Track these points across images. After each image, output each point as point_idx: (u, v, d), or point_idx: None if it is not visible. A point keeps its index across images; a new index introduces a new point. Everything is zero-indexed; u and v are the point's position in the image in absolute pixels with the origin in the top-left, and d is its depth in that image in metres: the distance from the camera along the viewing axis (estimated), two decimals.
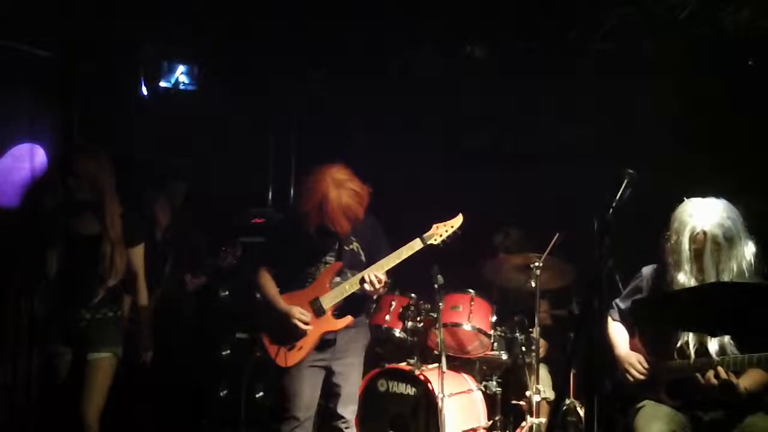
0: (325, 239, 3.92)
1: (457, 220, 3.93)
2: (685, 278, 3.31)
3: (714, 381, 3.19)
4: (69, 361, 3.87)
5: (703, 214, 3.31)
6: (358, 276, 3.87)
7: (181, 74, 5.96)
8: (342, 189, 3.75)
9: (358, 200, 3.79)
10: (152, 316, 4.05)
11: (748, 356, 3.17)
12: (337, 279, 3.94)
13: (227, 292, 5.73)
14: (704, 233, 3.28)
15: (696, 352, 3.29)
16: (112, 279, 3.88)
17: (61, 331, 3.87)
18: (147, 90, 5.84)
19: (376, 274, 3.79)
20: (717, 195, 3.39)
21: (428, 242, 3.87)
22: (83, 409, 3.78)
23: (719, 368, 3.18)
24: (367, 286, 3.80)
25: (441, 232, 3.89)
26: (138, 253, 4.00)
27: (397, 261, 3.84)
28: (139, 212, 4.23)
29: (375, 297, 4.92)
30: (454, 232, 3.89)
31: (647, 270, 3.66)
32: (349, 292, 3.89)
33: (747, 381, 3.20)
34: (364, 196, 3.83)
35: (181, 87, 5.97)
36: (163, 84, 5.93)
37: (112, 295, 3.93)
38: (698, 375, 3.24)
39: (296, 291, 3.93)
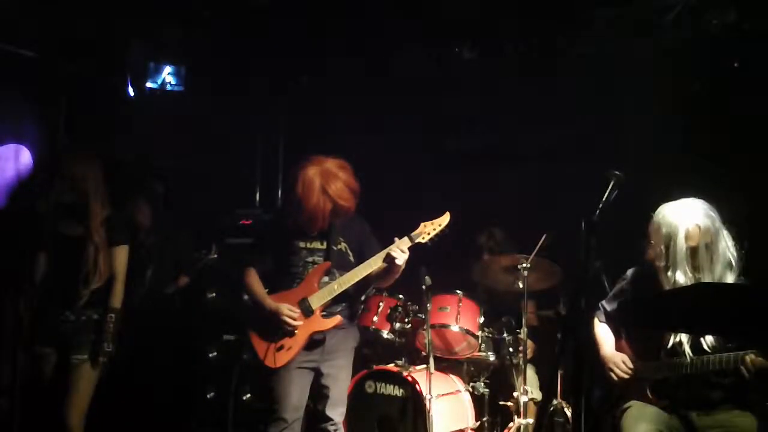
0: (313, 239, 3.92)
1: (445, 219, 3.93)
2: (683, 278, 3.32)
3: (760, 364, 3.13)
4: (53, 363, 3.86)
5: (689, 211, 3.37)
6: (354, 271, 3.86)
7: (167, 75, 5.94)
8: (332, 169, 3.81)
9: (348, 172, 3.85)
10: (121, 321, 3.98)
11: (734, 354, 3.19)
12: (326, 279, 3.93)
13: (214, 294, 5.71)
14: (698, 227, 3.32)
15: (682, 355, 3.31)
16: (96, 281, 3.88)
17: (45, 332, 3.86)
18: (133, 91, 5.82)
19: (400, 247, 3.80)
20: (687, 196, 3.44)
21: (416, 240, 3.87)
22: (66, 411, 3.77)
23: (758, 358, 3.15)
24: (398, 260, 3.78)
25: (429, 230, 3.89)
26: (120, 254, 3.99)
27: (405, 246, 3.82)
28: (122, 214, 4.18)
29: (363, 298, 4.94)
30: (441, 230, 3.90)
31: (633, 272, 3.68)
32: (338, 292, 3.87)
33: None
34: (349, 168, 3.89)
35: (168, 88, 5.96)
36: (149, 85, 5.91)
37: (97, 297, 3.91)
38: (742, 367, 3.20)
39: (284, 291, 3.92)
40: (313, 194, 3.78)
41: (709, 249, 3.32)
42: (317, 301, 3.87)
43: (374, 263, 3.84)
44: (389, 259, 3.81)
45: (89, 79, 5.48)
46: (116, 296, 3.96)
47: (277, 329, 3.85)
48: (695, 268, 3.33)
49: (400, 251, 3.79)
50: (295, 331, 3.85)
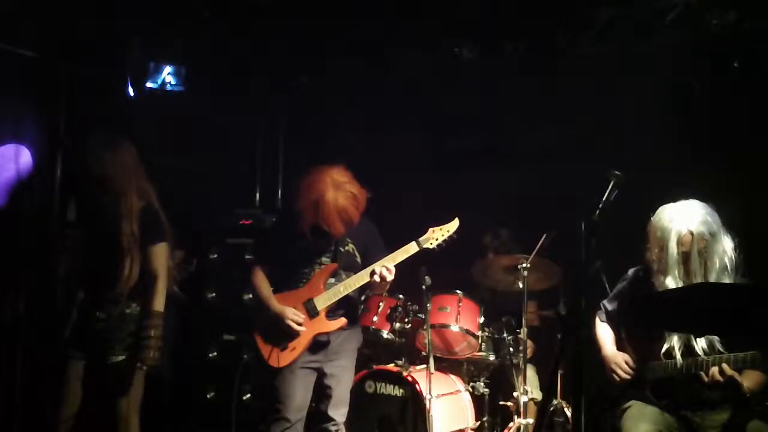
0: (320, 240, 3.91)
1: (454, 225, 3.91)
2: (673, 283, 3.32)
3: (719, 378, 3.19)
4: (85, 366, 3.67)
5: (685, 216, 3.35)
6: (360, 274, 3.86)
7: (167, 75, 5.93)
8: (339, 191, 3.74)
9: (354, 203, 3.78)
10: (162, 326, 3.69)
11: (734, 355, 3.20)
12: (332, 280, 3.93)
13: (214, 294, 5.71)
14: (691, 233, 3.31)
15: (682, 355, 3.31)
16: (129, 280, 3.62)
17: (74, 335, 3.67)
18: (133, 91, 5.81)
19: (386, 265, 3.78)
20: (687, 197, 3.43)
21: (424, 246, 3.87)
22: (118, 415, 3.62)
23: (724, 365, 3.19)
24: (377, 278, 3.77)
25: (437, 236, 3.89)
26: (158, 252, 3.69)
27: (392, 264, 3.83)
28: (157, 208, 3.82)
29: (363, 298, 4.94)
30: (450, 236, 3.89)
31: (634, 272, 3.68)
32: (344, 294, 3.88)
33: (748, 380, 3.22)
34: (362, 200, 3.82)
35: (168, 88, 5.95)
36: (149, 85, 5.90)
37: (131, 294, 3.66)
38: (702, 373, 3.25)
39: (290, 291, 3.93)
40: (304, 203, 3.77)
41: (702, 255, 3.31)
42: (323, 302, 3.87)
43: (367, 275, 3.84)
44: (372, 274, 3.80)
45: (89, 79, 5.46)
46: (158, 299, 3.65)
47: (281, 330, 3.84)
48: (688, 273, 3.32)
49: (386, 270, 3.77)
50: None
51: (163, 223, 3.79)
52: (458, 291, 4.90)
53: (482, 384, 4.87)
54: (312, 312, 3.86)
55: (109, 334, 3.63)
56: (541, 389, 4.94)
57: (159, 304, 3.68)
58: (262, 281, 3.97)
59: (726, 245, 3.33)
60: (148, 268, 3.67)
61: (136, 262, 3.64)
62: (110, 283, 3.64)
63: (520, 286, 4.65)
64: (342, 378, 3.98)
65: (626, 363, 3.53)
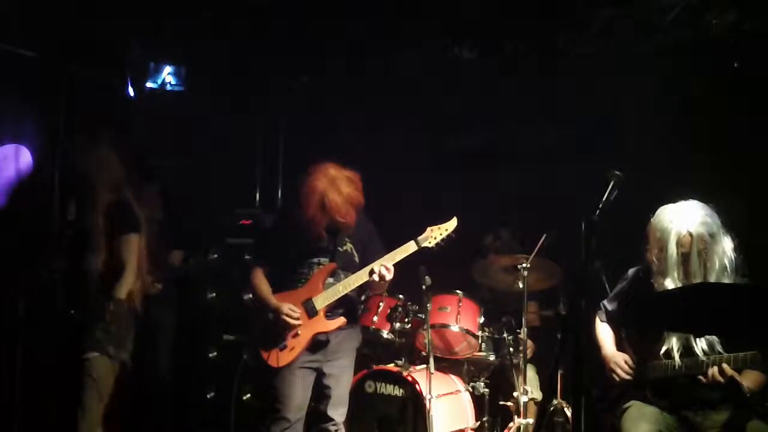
0: (332, 237, 3.93)
1: (452, 224, 3.93)
2: (672, 284, 3.32)
3: (719, 378, 3.19)
4: (60, 362, 3.73)
5: (684, 217, 3.34)
6: (359, 274, 3.87)
7: (167, 75, 5.94)
8: (338, 181, 3.82)
9: (355, 186, 3.86)
10: (128, 314, 3.73)
11: (734, 355, 3.20)
12: (331, 280, 3.94)
13: (214, 294, 5.71)
14: (690, 235, 3.30)
15: (681, 355, 3.31)
16: (100, 275, 3.66)
17: (53, 330, 3.74)
18: (133, 91, 5.81)
19: (385, 264, 3.80)
20: (686, 198, 3.43)
21: (422, 245, 3.88)
22: (79, 414, 3.62)
23: (724, 365, 3.19)
24: (376, 277, 3.79)
25: (435, 235, 3.90)
26: (127, 242, 3.70)
27: (390, 263, 3.84)
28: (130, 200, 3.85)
29: (363, 298, 4.94)
30: (448, 236, 3.90)
31: (634, 272, 3.68)
32: (343, 293, 3.88)
33: (748, 380, 3.22)
34: (358, 181, 3.89)
35: (168, 88, 5.95)
36: (149, 85, 5.90)
37: (100, 287, 3.69)
38: (702, 373, 3.25)
39: (289, 291, 3.94)
40: (312, 206, 3.80)
41: (702, 256, 3.31)
42: (322, 301, 3.88)
43: (366, 275, 3.85)
44: (371, 273, 3.83)
45: (89, 79, 5.47)
46: (121, 286, 3.67)
47: (279, 327, 3.85)
48: (687, 274, 3.32)
49: (385, 269, 3.80)
50: (299, 332, 3.86)
51: (136, 215, 3.82)
52: (458, 291, 4.89)
53: (482, 384, 4.87)
54: (311, 311, 3.87)
55: (82, 331, 3.65)
56: (541, 389, 4.93)
57: (122, 291, 3.69)
58: (261, 281, 3.98)
59: (726, 246, 3.33)
60: (116, 257, 3.70)
61: (103, 255, 3.68)
62: (82, 278, 3.68)
63: (520, 286, 4.65)
64: (341, 378, 3.98)
65: (626, 363, 3.53)
